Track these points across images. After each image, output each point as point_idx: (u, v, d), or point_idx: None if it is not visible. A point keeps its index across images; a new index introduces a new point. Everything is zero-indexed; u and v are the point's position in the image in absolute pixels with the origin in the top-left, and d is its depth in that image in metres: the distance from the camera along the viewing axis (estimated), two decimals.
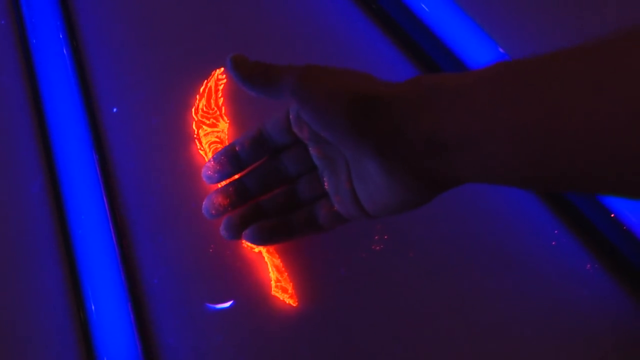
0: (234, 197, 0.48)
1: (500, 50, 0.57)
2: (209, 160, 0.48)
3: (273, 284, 0.51)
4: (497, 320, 0.50)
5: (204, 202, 0.49)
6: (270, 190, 0.48)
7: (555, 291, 0.51)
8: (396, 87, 0.35)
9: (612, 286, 0.51)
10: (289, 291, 0.51)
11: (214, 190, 0.49)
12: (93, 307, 0.50)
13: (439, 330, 0.50)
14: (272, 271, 0.51)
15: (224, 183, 0.49)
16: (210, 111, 0.57)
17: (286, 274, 0.51)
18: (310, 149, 0.45)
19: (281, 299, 0.51)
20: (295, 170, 0.47)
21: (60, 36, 0.61)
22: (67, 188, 0.55)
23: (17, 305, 0.52)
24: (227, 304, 0.51)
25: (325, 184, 0.45)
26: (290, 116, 0.44)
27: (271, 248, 0.52)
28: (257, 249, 0.52)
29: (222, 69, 0.59)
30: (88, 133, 0.57)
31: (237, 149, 0.47)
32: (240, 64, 0.40)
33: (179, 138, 0.57)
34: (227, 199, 0.48)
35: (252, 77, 0.39)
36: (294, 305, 0.50)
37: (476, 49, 0.58)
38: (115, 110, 0.59)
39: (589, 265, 0.52)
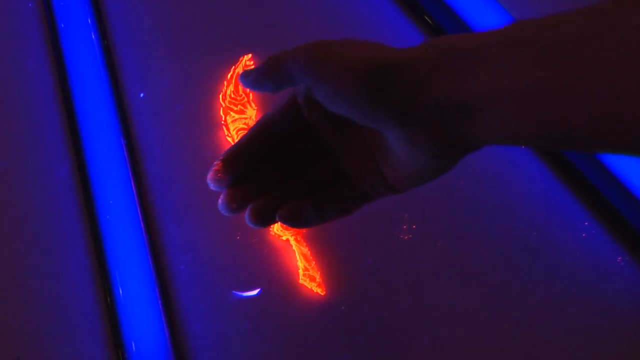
0: (252, 190, 0.47)
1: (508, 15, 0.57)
2: (216, 163, 0.46)
3: (301, 272, 0.51)
4: (525, 311, 0.50)
5: (220, 199, 0.48)
6: (286, 180, 0.47)
7: (585, 284, 0.50)
8: (410, 52, 0.35)
9: None
10: (317, 280, 0.50)
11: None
12: (121, 293, 0.50)
13: (467, 320, 0.50)
14: (300, 259, 0.51)
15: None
16: (238, 97, 0.57)
17: (314, 262, 0.51)
18: (322, 131, 0.44)
19: (309, 287, 0.50)
20: (308, 156, 0.46)
21: (89, 21, 0.60)
22: (94, 173, 0.54)
23: (45, 290, 0.52)
24: (254, 292, 0.51)
25: (345, 164, 0.44)
26: (298, 100, 0.43)
27: (299, 236, 0.52)
28: (284, 237, 0.52)
29: (250, 55, 0.59)
30: (116, 118, 0.56)
31: (243, 145, 0.46)
32: (250, 71, 0.39)
33: (206, 124, 0.57)
34: (245, 192, 0.47)
35: (265, 73, 0.38)
36: (322, 294, 0.50)
37: (483, 12, 0.58)
38: (142, 95, 0.59)
39: (619, 258, 0.51)
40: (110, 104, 0.57)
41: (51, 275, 0.53)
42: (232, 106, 0.56)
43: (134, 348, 0.49)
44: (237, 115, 0.56)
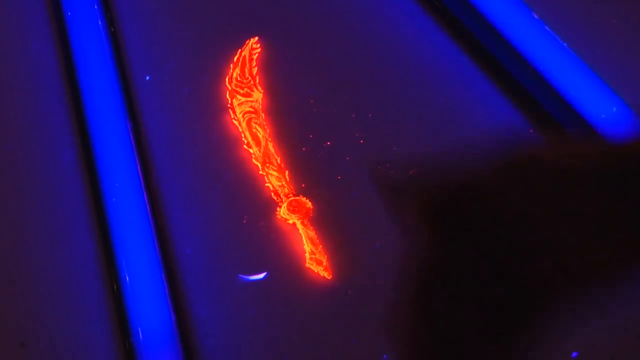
0: None
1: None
2: None
3: (307, 256, 0.50)
4: None
5: None
6: None
7: None
8: None
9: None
10: (324, 264, 0.50)
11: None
12: (127, 278, 0.50)
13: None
14: (307, 243, 0.50)
15: None
16: (245, 80, 0.56)
17: (320, 246, 0.50)
18: None
19: (315, 271, 0.50)
20: None
21: (95, 6, 0.60)
22: (100, 157, 0.54)
23: (52, 275, 0.52)
24: (261, 276, 0.51)
25: None
26: None
27: (306, 220, 0.51)
28: (291, 220, 0.51)
29: (257, 38, 0.58)
30: (121, 101, 0.56)
31: None
32: None
33: (211, 108, 0.57)
34: None
35: None
36: (328, 277, 0.50)
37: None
38: (148, 78, 0.59)
39: None
40: (116, 87, 0.56)
41: (57, 259, 0.52)
42: (238, 89, 0.55)
43: (140, 335, 0.48)
44: (243, 98, 0.55)
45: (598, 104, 0.54)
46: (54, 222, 0.53)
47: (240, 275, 0.51)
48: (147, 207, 0.52)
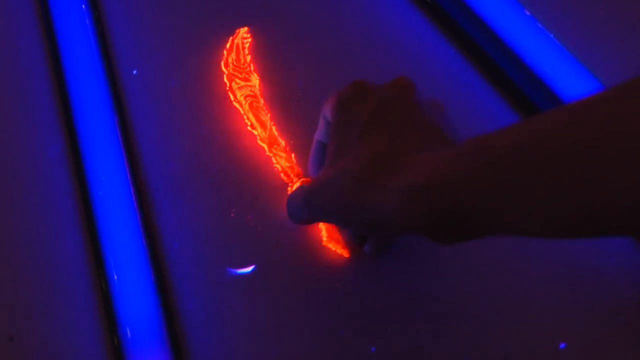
0: None
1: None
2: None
3: (325, 235, 0.51)
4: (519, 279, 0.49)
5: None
6: None
7: (579, 258, 0.50)
8: (376, 197, 0.35)
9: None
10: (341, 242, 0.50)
11: None
12: (115, 276, 0.50)
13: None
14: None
15: None
16: (241, 65, 0.56)
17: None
18: None
19: (334, 250, 0.51)
20: None
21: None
22: (87, 151, 0.54)
23: (37, 271, 0.51)
24: (249, 269, 0.51)
25: None
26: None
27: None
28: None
29: (247, 28, 0.58)
30: (108, 95, 0.56)
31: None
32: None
33: (199, 101, 0.57)
34: None
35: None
36: (346, 256, 0.50)
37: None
38: (135, 72, 0.58)
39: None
40: (102, 82, 0.56)
41: (44, 255, 0.52)
42: (236, 73, 0.56)
43: (128, 331, 0.48)
44: (242, 82, 0.55)
45: None
46: (41, 218, 0.53)
47: (228, 269, 0.50)
48: (134, 200, 0.52)
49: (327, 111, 0.43)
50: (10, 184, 0.54)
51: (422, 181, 0.32)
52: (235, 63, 0.56)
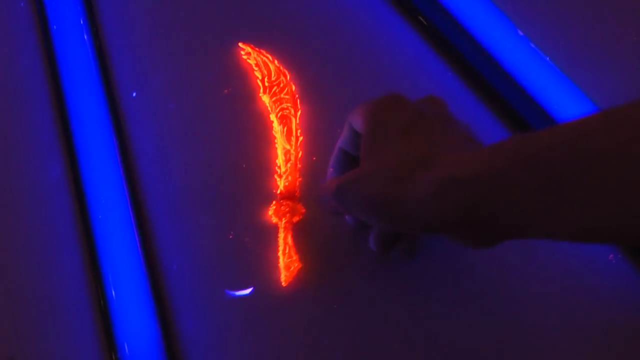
0: None
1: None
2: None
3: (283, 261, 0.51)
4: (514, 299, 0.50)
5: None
6: None
7: (577, 280, 0.50)
8: (422, 187, 0.36)
9: (635, 277, 0.50)
10: (291, 269, 0.51)
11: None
12: (113, 293, 0.50)
13: (456, 317, 0.49)
14: (282, 254, 0.51)
15: None
16: (274, 81, 0.58)
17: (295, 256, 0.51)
18: None
19: (294, 285, 0.51)
20: None
21: (81, 21, 0.60)
22: (86, 173, 0.54)
23: (37, 290, 0.52)
24: (247, 291, 0.51)
25: None
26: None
27: (290, 233, 0.52)
28: (277, 220, 0.52)
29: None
30: (108, 117, 0.56)
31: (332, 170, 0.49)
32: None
33: (198, 123, 0.57)
34: None
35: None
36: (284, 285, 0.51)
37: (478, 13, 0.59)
38: (134, 94, 0.59)
39: (611, 256, 0.51)
40: (102, 104, 0.57)
41: (44, 274, 0.52)
42: (274, 87, 0.58)
43: (126, 349, 0.49)
44: (276, 95, 0.58)
45: None
46: (41, 239, 0.54)
47: (227, 291, 0.51)
48: (134, 223, 0.53)
49: (355, 120, 0.43)
50: (11, 206, 0.55)
51: (458, 173, 0.33)
52: (271, 78, 0.58)
